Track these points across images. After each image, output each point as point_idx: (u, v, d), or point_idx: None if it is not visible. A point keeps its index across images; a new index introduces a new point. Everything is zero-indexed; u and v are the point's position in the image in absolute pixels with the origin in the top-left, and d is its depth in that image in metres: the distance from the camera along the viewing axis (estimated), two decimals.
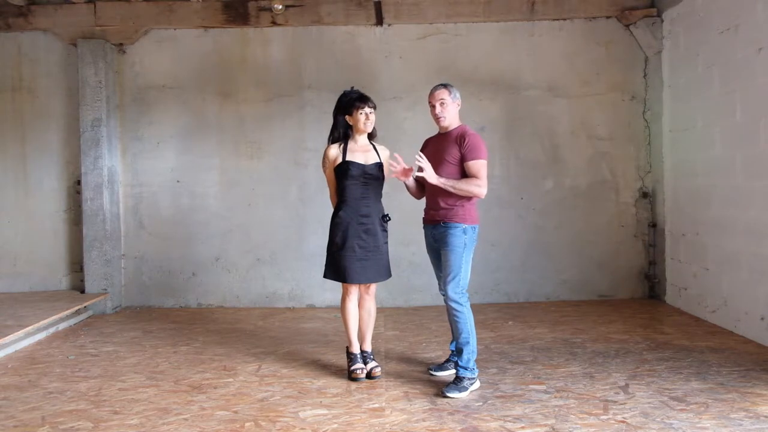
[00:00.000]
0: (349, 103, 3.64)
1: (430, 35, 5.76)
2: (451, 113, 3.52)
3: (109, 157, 5.65)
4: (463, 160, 3.41)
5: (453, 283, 3.41)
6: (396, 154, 3.56)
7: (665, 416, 3.00)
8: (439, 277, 3.66)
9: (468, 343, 3.43)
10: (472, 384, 3.40)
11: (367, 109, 3.62)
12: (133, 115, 5.82)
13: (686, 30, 5.12)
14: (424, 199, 3.70)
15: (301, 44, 5.78)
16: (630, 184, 5.77)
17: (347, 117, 3.66)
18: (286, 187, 5.81)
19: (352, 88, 3.74)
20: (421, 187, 3.69)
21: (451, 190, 3.38)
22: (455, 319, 3.44)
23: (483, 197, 3.44)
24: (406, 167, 3.51)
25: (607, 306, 5.46)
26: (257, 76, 5.79)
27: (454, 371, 3.56)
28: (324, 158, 3.72)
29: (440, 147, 3.50)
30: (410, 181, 3.62)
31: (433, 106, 3.53)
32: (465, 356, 3.42)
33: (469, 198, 3.44)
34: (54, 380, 3.73)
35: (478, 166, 3.39)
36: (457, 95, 3.54)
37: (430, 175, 3.35)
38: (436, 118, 3.54)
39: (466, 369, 3.40)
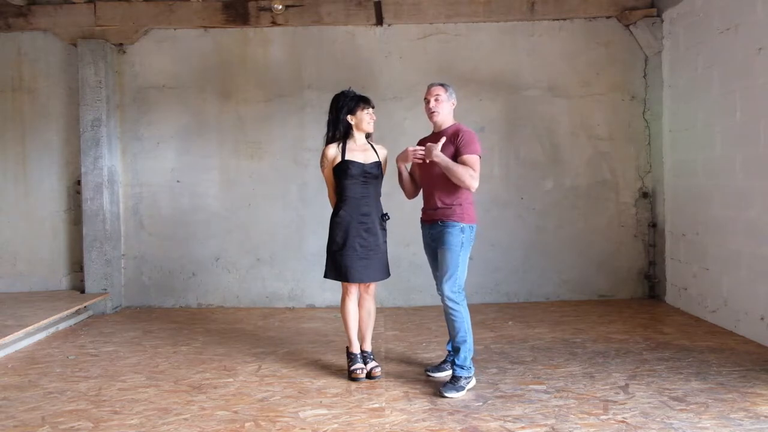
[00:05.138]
0: (354, 102, 3.66)
1: (430, 35, 5.76)
2: (445, 110, 3.54)
3: (109, 157, 5.65)
4: (457, 154, 3.42)
5: (450, 282, 3.41)
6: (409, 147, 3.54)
7: (665, 416, 3.00)
8: (436, 277, 3.66)
9: (465, 341, 3.43)
10: (468, 383, 3.40)
11: (370, 109, 3.68)
12: (133, 115, 5.82)
13: (686, 30, 5.12)
14: (422, 200, 3.70)
15: (301, 44, 5.78)
16: (630, 184, 5.76)
17: (349, 116, 3.66)
18: (286, 187, 5.81)
19: (350, 88, 3.77)
20: (415, 183, 3.71)
21: (446, 167, 3.36)
22: (452, 318, 3.44)
23: (473, 190, 3.44)
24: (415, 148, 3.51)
25: (607, 306, 5.46)
26: (257, 76, 5.79)
27: (451, 372, 3.55)
28: (322, 158, 3.72)
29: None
30: (405, 175, 3.65)
31: (427, 101, 3.55)
32: (462, 355, 3.42)
33: (466, 196, 3.45)
34: (54, 380, 3.73)
35: (473, 159, 3.40)
36: (454, 95, 3.57)
37: (437, 153, 3.36)
38: (430, 113, 3.55)
39: (462, 368, 3.41)
